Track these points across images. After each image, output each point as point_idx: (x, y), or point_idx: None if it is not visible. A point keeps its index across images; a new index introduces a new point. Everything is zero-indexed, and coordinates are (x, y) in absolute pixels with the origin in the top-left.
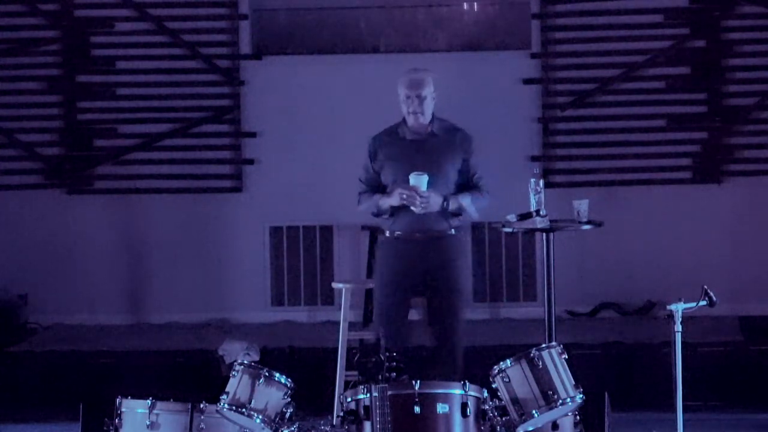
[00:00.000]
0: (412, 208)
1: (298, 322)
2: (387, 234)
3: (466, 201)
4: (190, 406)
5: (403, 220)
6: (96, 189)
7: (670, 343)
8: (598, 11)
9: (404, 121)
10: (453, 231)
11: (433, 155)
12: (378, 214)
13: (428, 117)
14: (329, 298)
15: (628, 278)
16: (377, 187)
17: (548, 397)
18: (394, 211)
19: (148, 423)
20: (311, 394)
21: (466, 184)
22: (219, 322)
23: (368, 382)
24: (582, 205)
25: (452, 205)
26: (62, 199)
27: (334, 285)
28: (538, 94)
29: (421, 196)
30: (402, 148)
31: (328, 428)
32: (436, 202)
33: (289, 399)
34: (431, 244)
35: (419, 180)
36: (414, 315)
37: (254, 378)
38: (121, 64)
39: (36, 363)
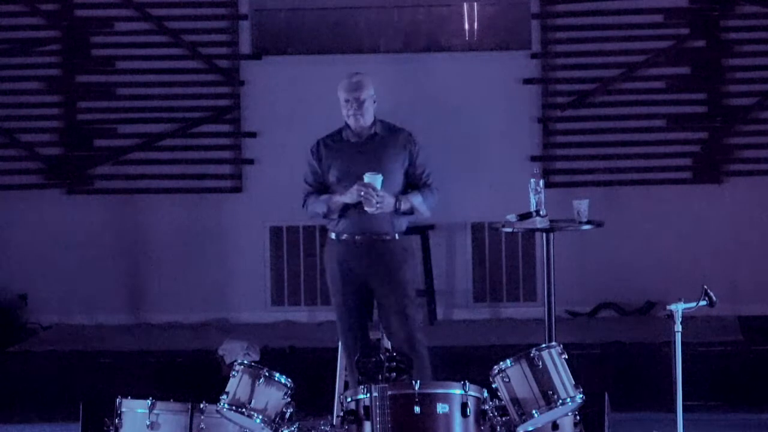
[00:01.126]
0: (366, 207)
1: (298, 322)
2: (332, 236)
3: (417, 200)
4: (190, 406)
5: (346, 222)
6: (96, 189)
7: (670, 343)
8: (598, 11)
9: (347, 124)
10: (396, 235)
11: (377, 155)
12: (327, 214)
13: (369, 119)
14: (329, 298)
15: (628, 278)
16: (323, 190)
17: (548, 397)
18: (342, 213)
19: (148, 423)
20: (311, 394)
21: (415, 183)
22: (219, 322)
23: (368, 382)
24: (582, 205)
25: (404, 205)
26: (62, 199)
27: None
28: (538, 94)
29: (377, 195)
30: (346, 151)
31: (328, 428)
32: (389, 202)
33: (289, 399)
34: (377, 246)
35: (374, 179)
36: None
37: (254, 378)
38: (121, 64)
39: (36, 363)
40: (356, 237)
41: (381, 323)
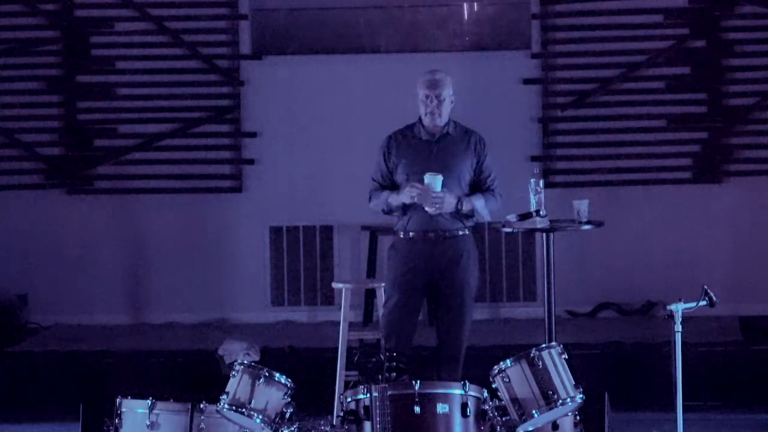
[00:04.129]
0: (426, 207)
1: (298, 322)
2: (401, 235)
3: (479, 203)
4: (190, 406)
5: (415, 220)
6: (96, 189)
7: (670, 343)
8: (598, 11)
9: (420, 121)
10: (465, 231)
11: (448, 156)
12: (388, 211)
13: (445, 118)
14: (329, 298)
15: (628, 278)
16: (389, 186)
17: (548, 397)
18: (407, 210)
19: (148, 423)
20: (311, 394)
21: (479, 185)
22: (219, 322)
23: (368, 382)
24: (582, 205)
25: (465, 207)
26: (62, 199)
27: (334, 285)
28: (538, 94)
29: (435, 196)
30: (417, 148)
31: (328, 428)
32: (450, 202)
33: (289, 399)
34: (443, 244)
35: (434, 180)
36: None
37: (254, 378)
38: (121, 64)
39: (36, 363)
40: (427, 234)
41: (431, 319)
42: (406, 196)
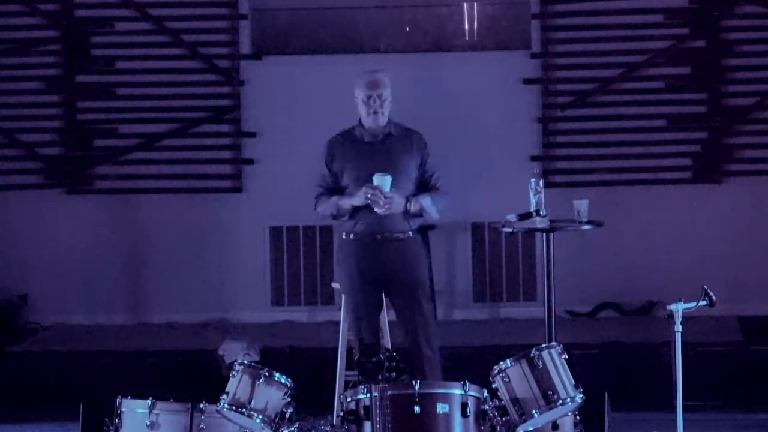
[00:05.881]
0: (376, 208)
1: (298, 322)
2: (344, 236)
3: (426, 202)
4: (190, 406)
5: (362, 221)
6: (96, 189)
7: (670, 343)
8: (598, 11)
9: (360, 123)
10: (411, 233)
11: (392, 156)
12: (337, 216)
13: (386, 118)
14: (329, 298)
15: (628, 278)
16: (335, 190)
17: (548, 397)
18: (354, 212)
19: (148, 423)
20: (311, 394)
21: (425, 184)
22: (219, 322)
23: (368, 382)
24: (582, 205)
25: (414, 207)
26: (62, 199)
27: (334, 285)
28: (538, 94)
29: (384, 197)
30: (360, 150)
31: (328, 428)
32: (399, 203)
33: (289, 399)
34: (390, 245)
35: (383, 180)
36: (393, 316)
37: (254, 378)
38: (121, 64)
39: (36, 363)
40: (375, 236)
41: (397, 322)
42: (359, 198)
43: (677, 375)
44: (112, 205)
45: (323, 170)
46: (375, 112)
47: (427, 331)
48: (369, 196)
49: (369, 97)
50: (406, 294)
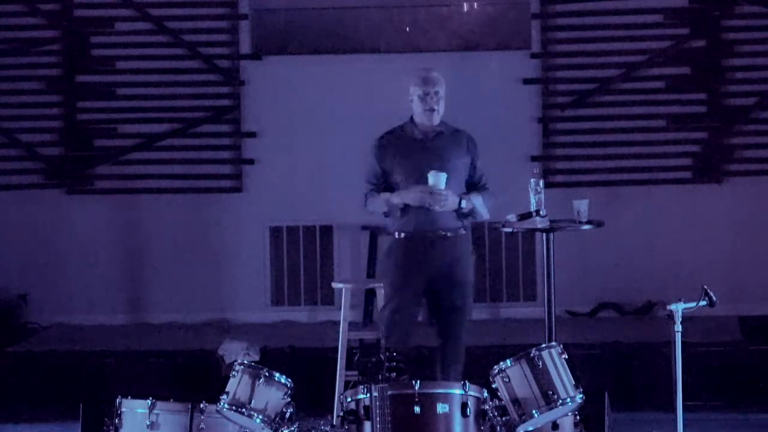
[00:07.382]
0: (433, 206)
1: (298, 322)
2: (396, 235)
3: (478, 201)
4: (190, 406)
5: (412, 219)
6: (96, 189)
7: (670, 343)
8: (598, 11)
9: (412, 120)
10: (463, 230)
11: (444, 154)
12: (389, 213)
13: (441, 115)
14: (329, 298)
15: (628, 278)
16: (384, 187)
17: (548, 397)
18: (404, 209)
19: (148, 423)
20: (311, 394)
21: (474, 185)
22: (219, 322)
23: (368, 382)
24: (582, 205)
25: (467, 205)
26: (62, 199)
27: (334, 285)
28: (538, 94)
29: (440, 194)
30: (412, 147)
31: (328, 428)
32: (453, 200)
33: (289, 399)
34: (442, 243)
35: (438, 178)
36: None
37: (254, 378)
38: (121, 64)
39: (36, 363)
40: (426, 233)
41: (431, 318)
42: (413, 197)
43: (677, 375)
44: (112, 205)
45: (374, 167)
46: (431, 109)
47: (465, 328)
48: (427, 198)
49: (426, 94)
50: (453, 291)
